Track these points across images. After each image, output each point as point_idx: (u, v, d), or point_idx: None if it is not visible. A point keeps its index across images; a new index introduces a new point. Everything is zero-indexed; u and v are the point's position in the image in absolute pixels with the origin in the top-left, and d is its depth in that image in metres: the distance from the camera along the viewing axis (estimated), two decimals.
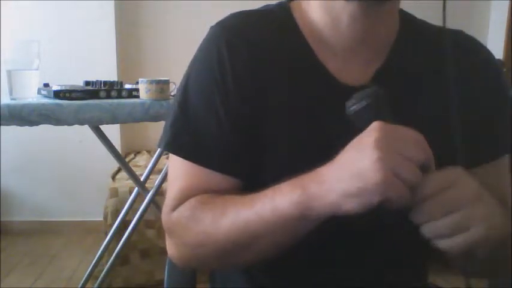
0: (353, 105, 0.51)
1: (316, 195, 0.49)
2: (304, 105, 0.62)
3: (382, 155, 0.45)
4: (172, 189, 0.63)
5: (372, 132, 0.47)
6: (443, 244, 0.48)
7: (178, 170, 0.63)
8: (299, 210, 0.51)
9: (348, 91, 0.54)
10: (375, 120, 0.48)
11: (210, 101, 0.61)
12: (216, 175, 0.61)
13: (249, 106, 0.61)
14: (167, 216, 0.63)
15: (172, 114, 0.64)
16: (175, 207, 0.62)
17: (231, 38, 0.63)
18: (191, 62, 0.66)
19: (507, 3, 2.94)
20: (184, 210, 0.61)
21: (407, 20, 0.68)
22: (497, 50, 2.88)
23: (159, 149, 1.90)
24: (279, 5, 0.68)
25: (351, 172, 0.47)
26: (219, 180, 0.61)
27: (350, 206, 0.47)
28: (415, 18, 0.71)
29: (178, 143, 0.62)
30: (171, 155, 0.64)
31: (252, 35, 0.63)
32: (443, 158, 0.50)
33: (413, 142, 0.47)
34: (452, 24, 0.64)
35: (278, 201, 0.52)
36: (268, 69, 0.62)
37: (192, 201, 0.60)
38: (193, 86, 0.63)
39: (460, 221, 0.47)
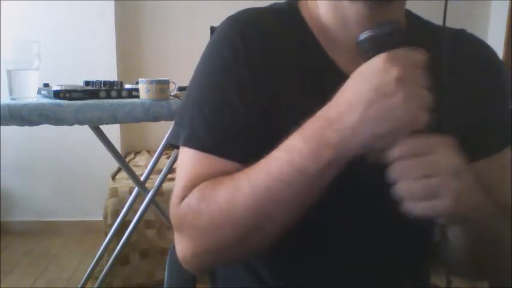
0: (371, 32, 0.54)
1: (333, 137, 0.50)
2: (315, 97, 0.62)
3: (390, 56, 0.48)
4: (181, 179, 0.61)
5: (381, 55, 0.49)
6: (410, 207, 0.48)
7: (187, 163, 0.62)
8: (321, 162, 0.50)
9: None
10: (388, 48, 0.50)
11: (225, 92, 0.61)
12: (227, 163, 0.60)
13: (263, 96, 0.61)
14: (175, 209, 0.60)
15: (187, 109, 0.63)
16: (184, 197, 0.59)
17: (244, 29, 0.63)
18: (203, 54, 0.66)
19: (507, 3, 2.95)
20: (193, 194, 0.58)
21: (412, 19, 0.70)
22: (497, 50, 2.85)
23: (159, 149, 1.90)
24: (286, 3, 0.69)
25: (367, 86, 0.48)
26: (230, 167, 0.60)
27: (372, 113, 0.47)
28: (420, 18, 0.72)
29: (196, 138, 0.61)
30: (181, 150, 0.63)
31: (264, 27, 0.64)
32: None
33: (419, 69, 0.49)
34: (452, 24, 0.65)
35: (296, 159, 0.52)
36: (280, 61, 0.63)
37: (201, 185, 0.58)
38: (207, 78, 0.63)
39: (433, 187, 0.47)
